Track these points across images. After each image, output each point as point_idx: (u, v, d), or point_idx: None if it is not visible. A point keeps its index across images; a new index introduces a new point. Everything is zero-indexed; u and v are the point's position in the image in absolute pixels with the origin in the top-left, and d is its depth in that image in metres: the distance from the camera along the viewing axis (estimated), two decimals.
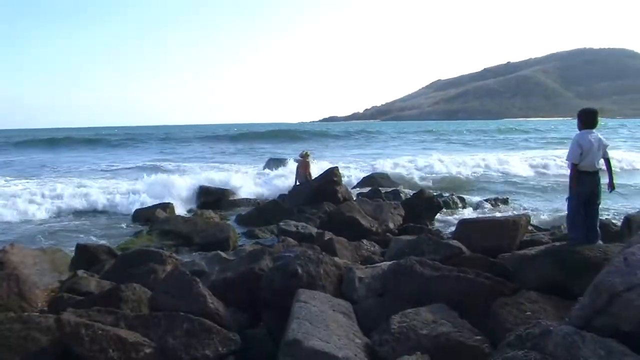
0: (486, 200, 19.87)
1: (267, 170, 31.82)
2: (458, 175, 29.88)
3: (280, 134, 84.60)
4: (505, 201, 19.95)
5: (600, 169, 8.37)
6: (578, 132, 8.44)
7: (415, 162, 35.69)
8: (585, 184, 8.22)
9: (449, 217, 17.06)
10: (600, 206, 8.54)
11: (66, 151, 63.25)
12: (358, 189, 23.53)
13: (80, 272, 10.06)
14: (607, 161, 8.48)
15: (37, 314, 7.29)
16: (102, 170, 38.68)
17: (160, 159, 48.91)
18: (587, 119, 8.45)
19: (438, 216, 16.98)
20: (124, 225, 17.87)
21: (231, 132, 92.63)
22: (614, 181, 8.66)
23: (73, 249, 12.16)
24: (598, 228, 8.56)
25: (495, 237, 9.85)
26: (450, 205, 18.82)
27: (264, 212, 17.84)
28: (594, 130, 8.38)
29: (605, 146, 8.42)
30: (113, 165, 42.44)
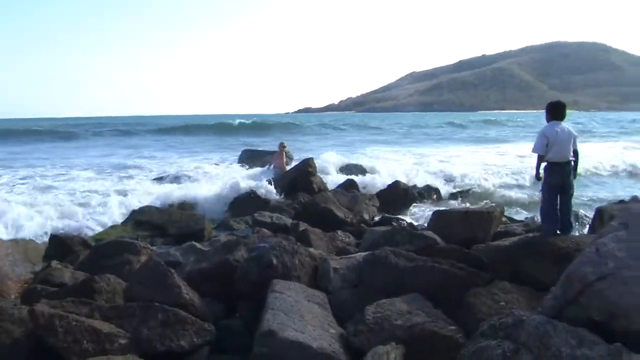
0: (460, 192, 20.01)
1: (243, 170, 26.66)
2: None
3: (261, 125, 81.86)
4: (473, 191, 20.18)
5: (572, 159, 8.46)
6: (546, 124, 8.57)
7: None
8: (555, 174, 8.32)
9: (424, 208, 17.14)
10: (572, 197, 8.65)
11: None
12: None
13: (54, 263, 9.97)
14: (575, 152, 8.56)
15: (10, 305, 7.24)
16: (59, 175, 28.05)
17: (119, 155, 41.70)
18: (555, 111, 8.58)
19: (412, 208, 17.07)
20: None
21: (189, 123, 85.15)
22: (577, 171, 8.77)
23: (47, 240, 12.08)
24: (571, 219, 8.68)
25: (469, 228, 9.92)
26: (424, 197, 18.91)
27: (237, 202, 17.82)
28: (561, 123, 8.48)
29: (575, 137, 8.53)
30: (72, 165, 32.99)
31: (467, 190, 20.34)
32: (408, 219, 14.96)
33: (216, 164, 31.40)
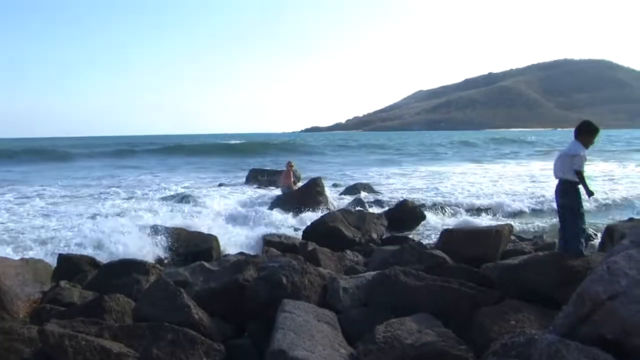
0: (468, 210, 19.96)
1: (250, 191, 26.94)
2: None
3: (267, 145, 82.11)
4: (488, 209, 20.03)
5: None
6: (575, 142, 8.32)
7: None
8: (579, 193, 8.21)
9: (433, 226, 17.11)
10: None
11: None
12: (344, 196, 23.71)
13: (62, 283, 9.99)
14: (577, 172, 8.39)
15: (20, 325, 7.24)
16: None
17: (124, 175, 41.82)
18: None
19: (420, 225, 17.05)
20: None
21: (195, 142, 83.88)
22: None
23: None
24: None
25: (478, 247, 9.92)
26: (433, 214, 18.87)
27: None
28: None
29: (572, 156, 8.37)
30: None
31: (478, 209, 20.24)
32: (416, 238, 14.93)
33: (223, 184, 31.55)
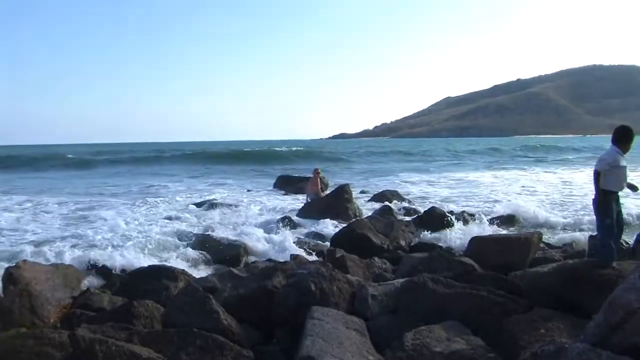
0: (497, 218, 19.78)
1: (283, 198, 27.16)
2: None
3: (297, 152, 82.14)
4: (513, 217, 19.81)
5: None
6: (612, 147, 8.12)
7: None
8: (612, 202, 8.06)
9: (461, 234, 16.98)
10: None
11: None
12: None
13: (92, 288, 10.11)
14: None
15: (51, 329, 7.31)
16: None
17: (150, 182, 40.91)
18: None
19: (449, 233, 16.93)
20: None
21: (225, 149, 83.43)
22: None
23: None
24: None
25: (507, 254, 9.86)
26: (461, 222, 18.73)
27: None
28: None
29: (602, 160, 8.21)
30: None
31: (506, 216, 20.03)
32: (444, 245, 14.85)
33: (250, 191, 31.72)
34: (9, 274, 9.68)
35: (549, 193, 28.77)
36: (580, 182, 34.19)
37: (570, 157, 74.49)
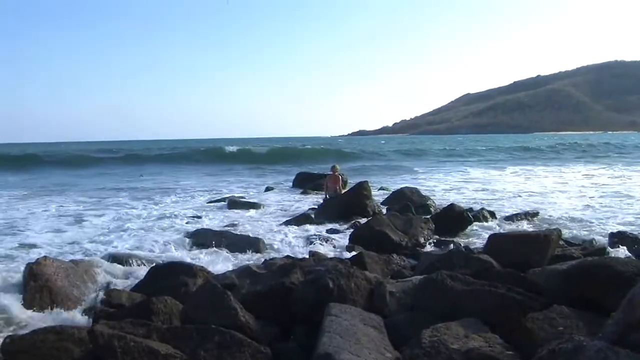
0: (516, 215, 19.67)
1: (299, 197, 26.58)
2: None
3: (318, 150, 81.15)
4: (535, 214, 19.67)
5: None
6: None
7: None
8: None
9: (480, 231, 16.93)
10: None
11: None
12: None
13: (111, 285, 10.20)
14: None
15: (70, 325, 7.39)
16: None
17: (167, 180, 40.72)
18: None
19: (468, 230, 16.88)
20: None
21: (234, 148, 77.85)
22: None
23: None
24: None
25: (526, 252, 9.82)
26: (480, 219, 18.65)
27: None
28: None
29: None
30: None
31: (527, 213, 19.90)
32: (463, 242, 14.83)
33: (269, 188, 31.72)
34: (30, 269, 9.77)
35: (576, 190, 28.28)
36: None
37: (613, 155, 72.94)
